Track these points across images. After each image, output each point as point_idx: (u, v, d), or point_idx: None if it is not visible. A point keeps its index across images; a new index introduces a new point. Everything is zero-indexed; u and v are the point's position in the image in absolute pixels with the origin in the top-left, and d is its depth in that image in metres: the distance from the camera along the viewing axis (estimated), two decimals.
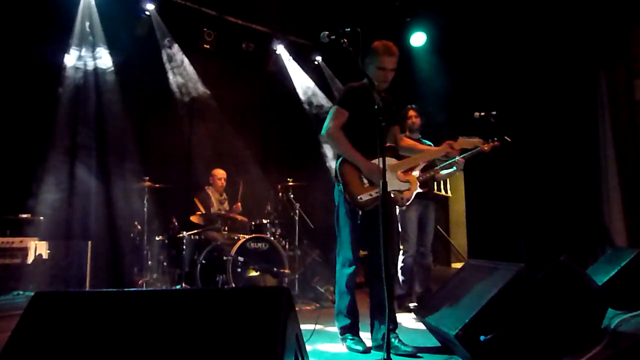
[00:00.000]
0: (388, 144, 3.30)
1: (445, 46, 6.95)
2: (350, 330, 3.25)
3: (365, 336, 3.26)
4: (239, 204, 6.01)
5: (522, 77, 6.36)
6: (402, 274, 4.74)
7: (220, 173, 6.10)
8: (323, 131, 3.16)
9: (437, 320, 3.02)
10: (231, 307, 1.72)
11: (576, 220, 5.72)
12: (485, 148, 4.47)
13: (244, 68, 7.22)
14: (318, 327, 3.64)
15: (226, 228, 5.71)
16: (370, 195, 3.08)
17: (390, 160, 3.19)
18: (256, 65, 7.35)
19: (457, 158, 4.52)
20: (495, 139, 4.42)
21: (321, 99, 7.74)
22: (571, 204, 5.82)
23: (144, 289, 5.13)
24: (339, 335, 3.29)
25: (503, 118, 4.22)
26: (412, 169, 3.36)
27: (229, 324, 1.67)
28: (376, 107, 2.77)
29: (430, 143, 4.87)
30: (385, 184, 2.77)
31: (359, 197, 3.06)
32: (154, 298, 1.84)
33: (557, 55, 6.05)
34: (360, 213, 3.08)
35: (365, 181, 3.12)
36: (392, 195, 3.19)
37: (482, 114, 4.31)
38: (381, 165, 2.74)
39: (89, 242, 5.15)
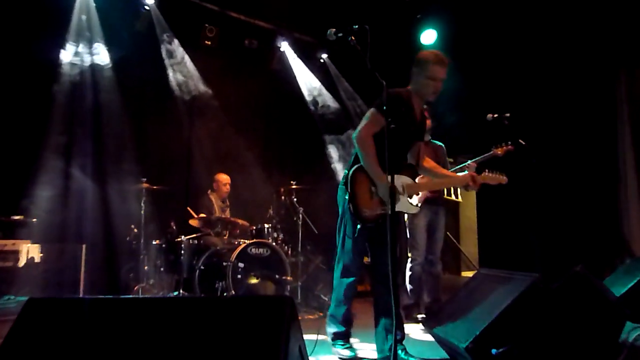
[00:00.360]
0: (408, 162, 3.32)
1: (457, 44, 6.93)
2: (343, 337, 3.33)
3: (371, 347, 3.26)
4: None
5: (537, 77, 6.34)
6: (409, 283, 4.73)
7: (224, 178, 6.09)
8: (354, 133, 3.15)
9: (446, 332, 3.01)
10: (231, 317, 1.72)
11: (593, 228, 5.69)
12: (499, 152, 4.47)
13: (247, 66, 7.24)
14: (321, 337, 3.63)
15: (226, 233, 5.71)
16: (375, 211, 3.08)
17: (406, 180, 3.21)
18: (259, 63, 7.37)
19: (468, 162, 4.51)
20: (509, 142, 4.41)
21: (327, 98, 7.75)
22: (588, 211, 5.79)
23: (141, 295, 5.13)
24: (330, 340, 3.35)
25: (517, 120, 4.22)
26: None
27: (229, 335, 1.67)
28: (384, 108, 2.75)
29: (440, 144, 4.88)
30: (393, 189, 2.78)
31: (363, 210, 3.07)
32: (152, 306, 1.84)
33: (574, 54, 6.02)
34: (359, 226, 3.09)
35: (375, 196, 3.10)
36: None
37: (495, 115, 4.30)
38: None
39: (84, 246, 5.16)
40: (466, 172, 4.55)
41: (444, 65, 3.20)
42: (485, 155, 4.49)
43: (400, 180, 3.18)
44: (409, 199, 3.21)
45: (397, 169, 3.15)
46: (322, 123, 7.67)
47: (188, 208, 5.88)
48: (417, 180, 3.30)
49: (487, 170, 3.64)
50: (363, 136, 3.10)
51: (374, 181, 3.10)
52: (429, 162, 3.50)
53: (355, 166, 3.14)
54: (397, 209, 3.14)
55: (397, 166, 3.14)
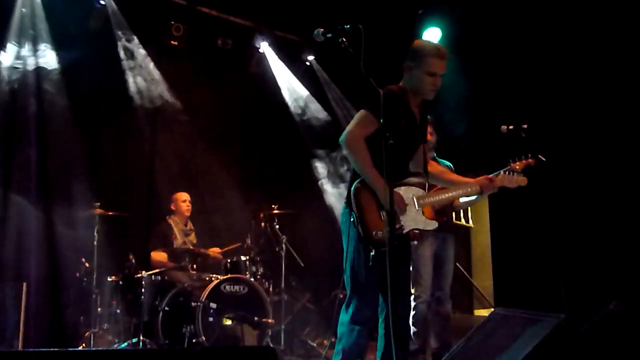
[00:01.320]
0: (415, 170, 3.30)
1: (465, 44, 7.01)
2: None
3: None
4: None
5: (559, 83, 6.41)
6: (413, 325, 4.70)
7: (181, 195, 6.11)
8: (342, 136, 3.13)
9: None
10: None
11: (628, 258, 5.71)
12: (517, 167, 4.49)
13: (220, 69, 7.26)
14: None
15: (195, 266, 5.67)
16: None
17: (415, 191, 3.19)
18: (235, 66, 7.40)
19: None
20: (530, 155, 4.45)
21: (314, 107, 7.77)
22: (622, 238, 5.81)
23: (92, 347, 5.06)
24: None
25: (536, 132, 4.25)
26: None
27: None
28: (381, 120, 2.77)
29: (448, 163, 4.89)
30: (392, 213, 2.78)
31: (374, 232, 3.03)
32: None
33: (603, 54, 6.07)
34: (372, 252, 3.03)
35: (384, 213, 3.02)
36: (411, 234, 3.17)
37: (511, 127, 4.33)
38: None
39: (24, 284, 5.09)
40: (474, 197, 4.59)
41: (443, 59, 3.23)
42: (502, 171, 4.52)
43: (411, 192, 3.17)
44: (423, 214, 3.17)
45: (403, 179, 3.17)
46: (309, 136, 7.68)
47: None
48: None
49: (503, 171, 3.72)
50: (354, 137, 3.09)
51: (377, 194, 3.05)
52: (434, 167, 3.51)
53: (357, 181, 3.12)
54: (410, 227, 3.11)
55: (402, 176, 3.15)
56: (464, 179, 3.55)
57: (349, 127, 3.13)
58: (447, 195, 3.35)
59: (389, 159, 2.90)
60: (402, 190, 3.12)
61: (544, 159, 4.22)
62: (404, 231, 3.10)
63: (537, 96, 6.51)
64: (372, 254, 3.03)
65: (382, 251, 2.99)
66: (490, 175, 3.50)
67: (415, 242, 4.71)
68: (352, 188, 3.10)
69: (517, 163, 4.51)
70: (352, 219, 3.07)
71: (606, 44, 6.01)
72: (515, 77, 6.74)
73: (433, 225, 3.20)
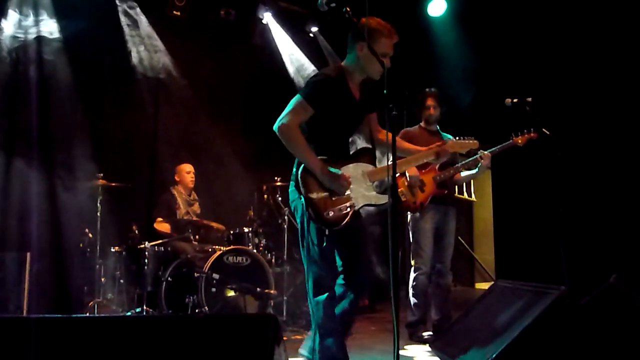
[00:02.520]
0: (362, 147, 3.34)
1: (471, 15, 6.94)
2: None
3: None
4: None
5: (566, 54, 6.35)
6: (414, 297, 4.75)
7: (185, 166, 6.10)
8: (276, 124, 3.15)
9: (457, 354, 3.02)
10: (205, 340, 1.70)
11: (629, 232, 5.73)
12: (519, 141, 4.50)
13: (223, 40, 7.21)
14: None
15: (198, 237, 5.69)
16: (340, 210, 3.07)
17: (364, 167, 3.22)
18: (238, 37, 7.34)
19: (479, 154, 4.52)
20: (532, 129, 4.44)
21: None
22: (623, 212, 5.82)
23: (96, 314, 5.09)
24: None
25: (540, 106, 4.23)
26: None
27: None
28: (385, 91, 2.75)
29: (450, 136, 4.89)
30: (395, 184, 2.80)
31: (325, 213, 3.05)
32: (110, 326, 1.83)
33: (611, 25, 5.99)
34: (327, 232, 3.07)
35: (328, 194, 3.10)
36: (362, 212, 3.21)
37: (515, 100, 4.33)
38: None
39: (28, 254, 5.11)
40: (479, 166, 4.60)
41: (393, 39, 3.22)
42: (504, 144, 4.52)
43: (359, 168, 3.20)
44: (374, 187, 3.21)
45: (350, 157, 3.22)
46: None
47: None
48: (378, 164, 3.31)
49: (456, 137, 3.90)
50: (289, 127, 3.11)
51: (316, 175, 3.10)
52: (384, 135, 3.45)
53: (302, 165, 3.13)
54: (361, 203, 3.14)
55: (347, 154, 3.22)
56: (418, 147, 3.55)
57: (283, 115, 3.15)
58: (400, 166, 3.37)
59: (332, 141, 3.14)
60: (351, 168, 3.16)
61: (547, 133, 4.22)
62: (356, 208, 3.12)
63: (542, 69, 6.47)
64: (326, 233, 3.07)
65: (335, 230, 3.06)
66: (440, 143, 3.52)
67: (417, 215, 4.74)
68: (299, 172, 3.11)
69: (520, 137, 4.52)
70: (302, 201, 3.09)
71: (613, 19, 5.95)
72: (520, 50, 6.69)
73: (384, 199, 3.19)
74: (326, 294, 3.14)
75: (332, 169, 3.09)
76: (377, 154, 3.36)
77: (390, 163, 2.74)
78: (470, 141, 3.91)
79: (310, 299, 3.19)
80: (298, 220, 3.23)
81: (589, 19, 6.02)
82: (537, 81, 6.25)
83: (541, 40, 6.47)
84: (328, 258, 3.17)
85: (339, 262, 3.21)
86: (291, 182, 3.23)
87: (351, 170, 3.15)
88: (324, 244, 3.08)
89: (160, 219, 5.76)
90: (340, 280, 3.23)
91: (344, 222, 3.06)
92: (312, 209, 3.04)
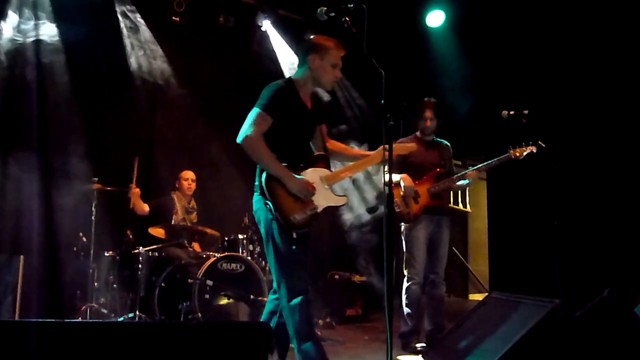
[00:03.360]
0: (317, 153, 3.53)
1: (468, 26, 6.97)
2: None
3: None
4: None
5: (561, 68, 6.39)
6: (407, 306, 4.73)
7: (187, 174, 6.12)
8: (240, 137, 3.28)
9: None
10: (198, 347, 1.70)
11: (624, 246, 5.74)
12: (517, 154, 4.51)
13: (222, 47, 7.22)
14: None
15: (192, 243, 5.67)
16: (305, 213, 3.23)
17: (321, 172, 3.39)
18: (236, 44, 7.35)
19: (467, 171, 4.60)
20: (530, 142, 4.45)
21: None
22: (618, 226, 5.84)
23: (89, 319, 5.07)
24: None
25: (537, 118, 4.25)
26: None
27: None
28: (382, 102, 2.80)
29: (446, 142, 4.92)
30: (391, 196, 2.81)
31: (291, 217, 3.18)
32: (102, 331, 1.82)
33: (608, 38, 6.02)
34: (294, 235, 3.21)
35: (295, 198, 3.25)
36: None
37: (512, 112, 4.35)
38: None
39: (21, 257, 5.08)
40: (467, 180, 4.63)
41: (342, 52, 3.42)
42: (501, 157, 4.53)
43: (317, 174, 3.37)
44: (332, 191, 3.39)
45: (308, 164, 3.38)
46: None
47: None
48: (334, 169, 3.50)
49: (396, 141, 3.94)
50: (253, 138, 3.25)
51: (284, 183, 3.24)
52: (334, 144, 3.68)
53: (265, 172, 3.27)
54: (323, 205, 3.30)
55: (305, 161, 3.38)
56: (365, 152, 3.70)
57: (244, 129, 3.30)
58: (348, 169, 3.57)
59: (291, 149, 3.32)
60: (308, 174, 3.32)
61: (543, 146, 4.23)
62: (318, 210, 3.29)
63: (539, 81, 6.49)
64: (294, 236, 3.22)
65: (301, 233, 3.23)
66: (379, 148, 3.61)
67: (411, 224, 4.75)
68: (263, 179, 3.24)
69: (517, 150, 4.53)
70: (268, 207, 3.23)
71: (608, 31, 5.98)
72: (518, 61, 6.72)
73: (343, 200, 3.43)
74: (300, 297, 3.18)
75: (297, 176, 3.25)
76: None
77: (386, 174, 2.80)
78: (410, 144, 4.00)
79: (284, 305, 3.22)
80: (262, 230, 3.35)
81: (587, 30, 6.06)
82: (534, 93, 6.27)
83: (539, 51, 6.50)
84: (298, 261, 3.27)
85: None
86: (255, 193, 3.39)
87: (309, 175, 3.31)
88: (293, 247, 3.21)
89: (154, 227, 5.74)
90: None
91: (310, 223, 3.24)
92: (279, 214, 3.18)
